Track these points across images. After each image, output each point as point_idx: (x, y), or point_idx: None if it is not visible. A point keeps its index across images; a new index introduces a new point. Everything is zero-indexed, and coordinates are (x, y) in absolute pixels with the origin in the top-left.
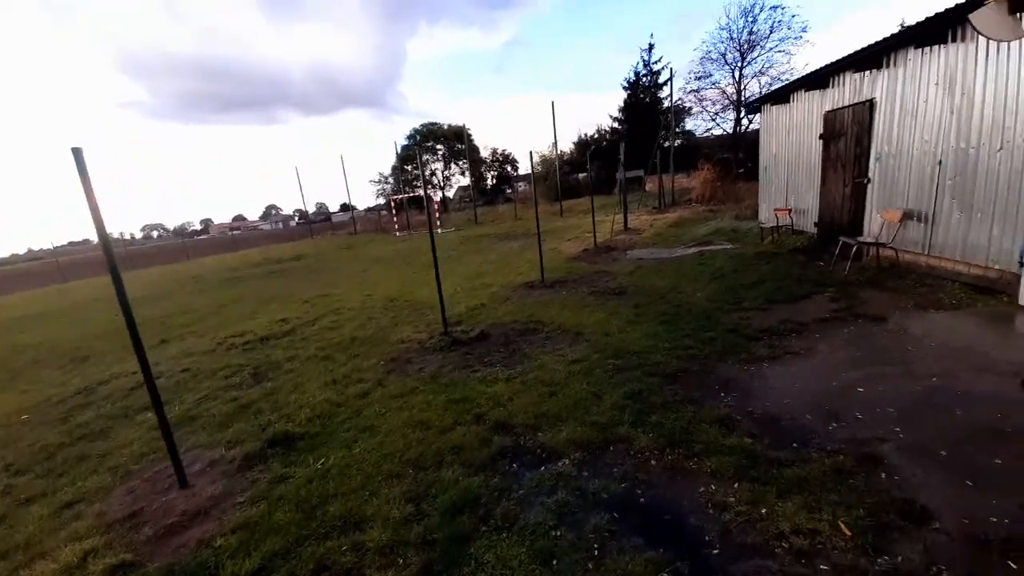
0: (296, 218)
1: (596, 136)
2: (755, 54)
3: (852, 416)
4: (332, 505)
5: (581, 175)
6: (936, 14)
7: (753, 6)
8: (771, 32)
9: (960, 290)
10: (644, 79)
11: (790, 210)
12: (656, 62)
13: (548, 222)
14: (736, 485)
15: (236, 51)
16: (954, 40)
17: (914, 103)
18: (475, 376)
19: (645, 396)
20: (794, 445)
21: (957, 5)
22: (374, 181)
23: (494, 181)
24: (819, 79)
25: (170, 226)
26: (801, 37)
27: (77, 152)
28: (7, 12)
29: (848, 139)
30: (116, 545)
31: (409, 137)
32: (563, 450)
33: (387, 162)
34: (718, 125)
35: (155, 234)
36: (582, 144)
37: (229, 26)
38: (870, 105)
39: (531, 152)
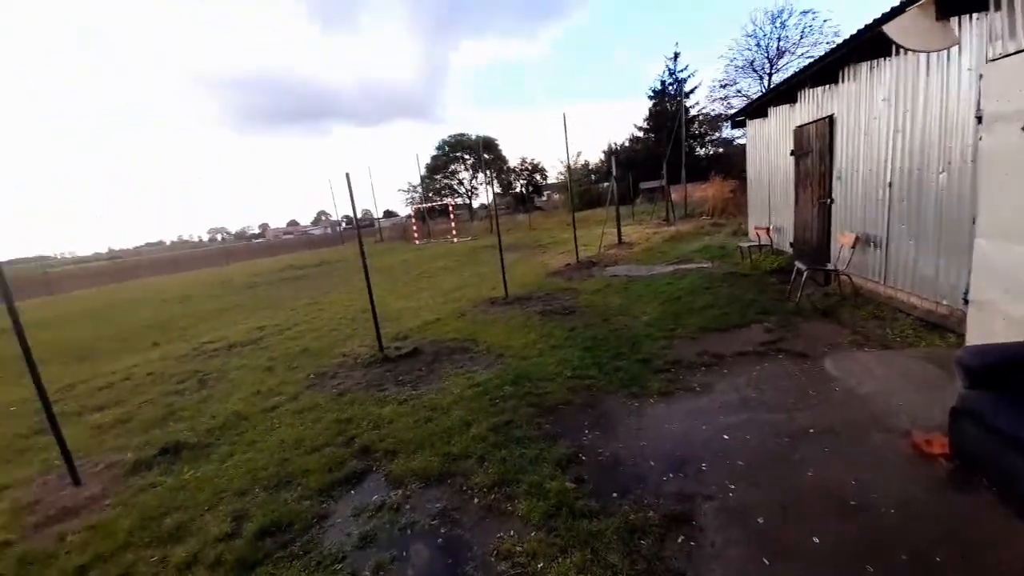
0: (343, 223)
1: (627, 144)
2: (785, 61)
3: (696, 467)
4: (171, 516)
5: (605, 184)
6: (867, 25)
7: (782, 11)
8: (802, 38)
9: (910, 326)
10: (670, 87)
11: (768, 229)
12: (682, 70)
13: (558, 233)
14: (533, 534)
15: (293, 67)
16: (897, 52)
17: (867, 120)
18: (377, 396)
19: (509, 428)
20: (614, 495)
21: (884, 15)
22: (403, 190)
23: (522, 190)
24: (788, 93)
25: (232, 229)
26: (834, 43)
27: None
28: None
29: (814, 156)
30: (10, 526)
31: (438, 148)
32: (405, 479)
33: (421, 171)
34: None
35: (219, 237)
36: (611, 153)
37: (288, 45)
38: (830, 121)
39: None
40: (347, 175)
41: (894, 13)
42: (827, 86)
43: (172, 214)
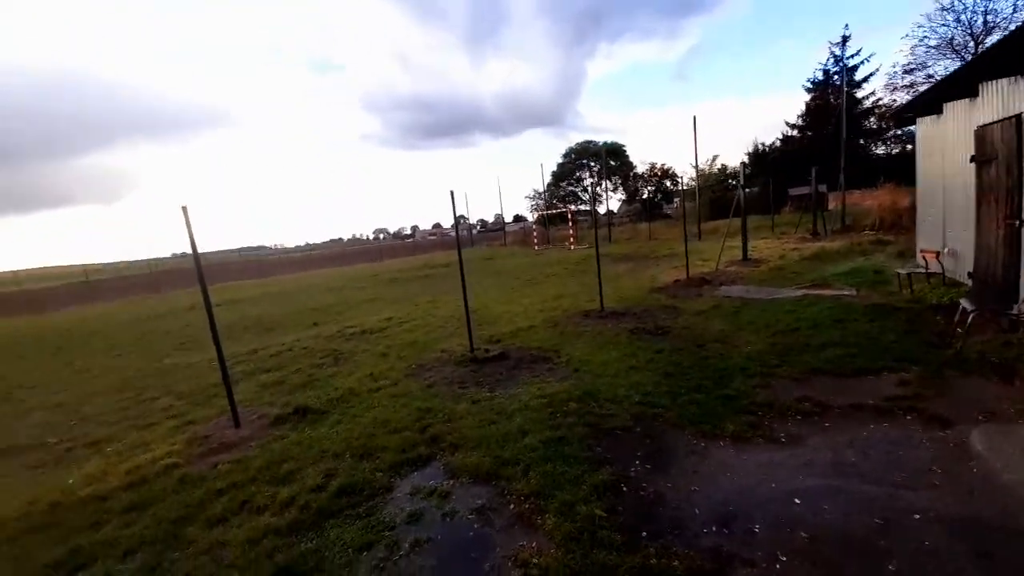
0: (477, 227)
1: (777, 144)
2: (994, 40)
3: (746, 526)
4: (286, 464)
5: (747, 190)
6: None
7: None
8: (1014, 11)
9: None
10: (834, 77)
11: (938, 253)
12: (851, 56)
13: (677, 245)
14: (552, 551)
15: (444, 87)
16: None
17: None
18: (457, 392)
19: (561, 444)
20: (643, 533)
21: None
22: (528, 197)
23: (650, 196)
24: (967, 83)
25: (391, 230)
26: None
27: (184, 210)
28: (288, 71)
29: (999, 165)
30: (183, 452)
31: (564, 156)
32: (459, 472)
33: (546, 179)
34: None
35: (381, 236)
36: (757, 155)
37: (442, 67)
38: (1018, 122)
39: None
40: (451, 192)
41: None
42: (1014, 77)
43: (349, 215)
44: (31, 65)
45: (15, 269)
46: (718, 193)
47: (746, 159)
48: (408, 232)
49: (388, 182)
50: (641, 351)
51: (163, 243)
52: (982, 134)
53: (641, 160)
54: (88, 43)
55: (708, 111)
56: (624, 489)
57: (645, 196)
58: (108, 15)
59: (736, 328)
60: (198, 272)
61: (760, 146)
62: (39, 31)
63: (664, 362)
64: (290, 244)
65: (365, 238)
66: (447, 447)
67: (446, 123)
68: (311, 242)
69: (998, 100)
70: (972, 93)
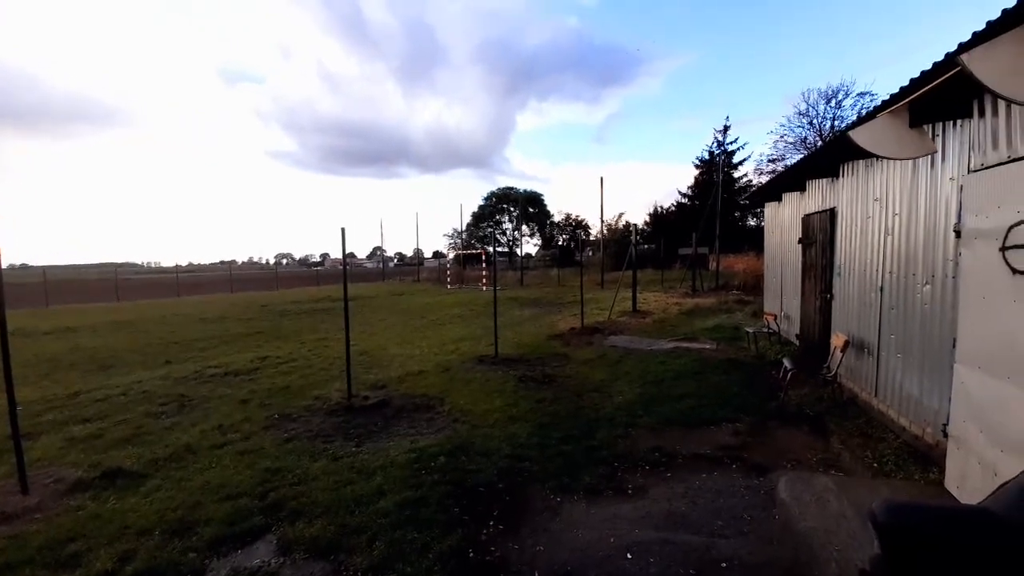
0: (395, 259)
1: (673, 208)
2: None
3: None
4: (76, 543)
5: (647, 246)
6: (842, 129)
7: (837, 91)
8: (857, 118)
9: (894, 451)
10: (718, 158)
11: (775, 316)
12: (731, 143)
13: (586, 292)
14: None
15: (372, 115)
16: None
17: (862, 218)
18: (320, 447)
19: (418, 506)
20: None
21: (854, 120)
22: (447, 235)
23: (564, 244)
24: (796, 180)
25: (297, 256)
26: None
27: None
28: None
29: (818, 248)
30: None
31: (485, 199)
32: (294, 547)
33: (465, 219)
34: None
35: (284, 261)
36: (656, 216)
37: (371, 96)
38: (832, 214)
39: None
40: (342, 229)
41: (863, 119)
42: (830, 179)
43: (250, 237)
44: None
45: None
46: (622, 247)
47: (648, 219)
48: (317, 259)
49: (301, 206)
50: (523, 400)
51: None
52: (807, 221)
53: (559, 210)
54: None
55: (621, 172)
56: (471, 555)
57: (560, 243)
58: None
59: (614, 378)
60: None
61: (659, 208)
62: None
63: (543, 412)
64: (168, 263)
65: (264, 262)
66: (287, 516)
67: (371, 152)
68: (195, 262)
69: (819, 195)
70: (801, 187)
